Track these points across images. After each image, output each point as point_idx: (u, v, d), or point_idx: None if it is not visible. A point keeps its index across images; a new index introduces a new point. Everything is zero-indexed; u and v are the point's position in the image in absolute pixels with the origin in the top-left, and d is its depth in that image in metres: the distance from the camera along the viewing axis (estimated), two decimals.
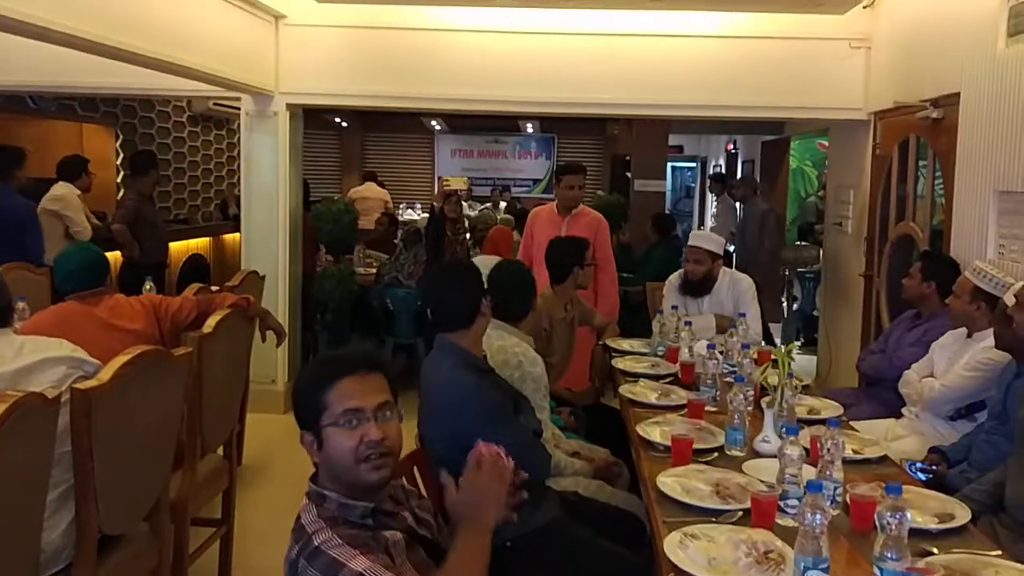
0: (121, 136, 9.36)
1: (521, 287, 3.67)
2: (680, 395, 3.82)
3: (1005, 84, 4.21)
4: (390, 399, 2.00)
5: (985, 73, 4.41)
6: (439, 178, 16.63)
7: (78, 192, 6.75)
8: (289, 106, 6.43)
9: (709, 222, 13.52)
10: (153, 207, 7.06)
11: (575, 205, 5.75)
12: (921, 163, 5.52)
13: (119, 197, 7.24)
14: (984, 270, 3.71)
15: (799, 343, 8.71)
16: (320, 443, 1.95)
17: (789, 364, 3.20)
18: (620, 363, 4.48)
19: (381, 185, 12.94)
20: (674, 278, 5.21)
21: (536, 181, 17.06)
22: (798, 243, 9.15)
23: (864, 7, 6.00)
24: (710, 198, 13.80)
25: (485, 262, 3.66)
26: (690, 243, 5.12)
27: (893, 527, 1.94)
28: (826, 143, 8.36)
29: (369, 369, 1.99)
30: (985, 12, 4.39)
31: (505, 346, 3.42)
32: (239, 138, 6.81)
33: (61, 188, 6.67)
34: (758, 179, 11.12)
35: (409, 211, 13.97)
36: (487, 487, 2.07)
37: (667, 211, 12.32)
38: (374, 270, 7.76)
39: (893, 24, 5.76)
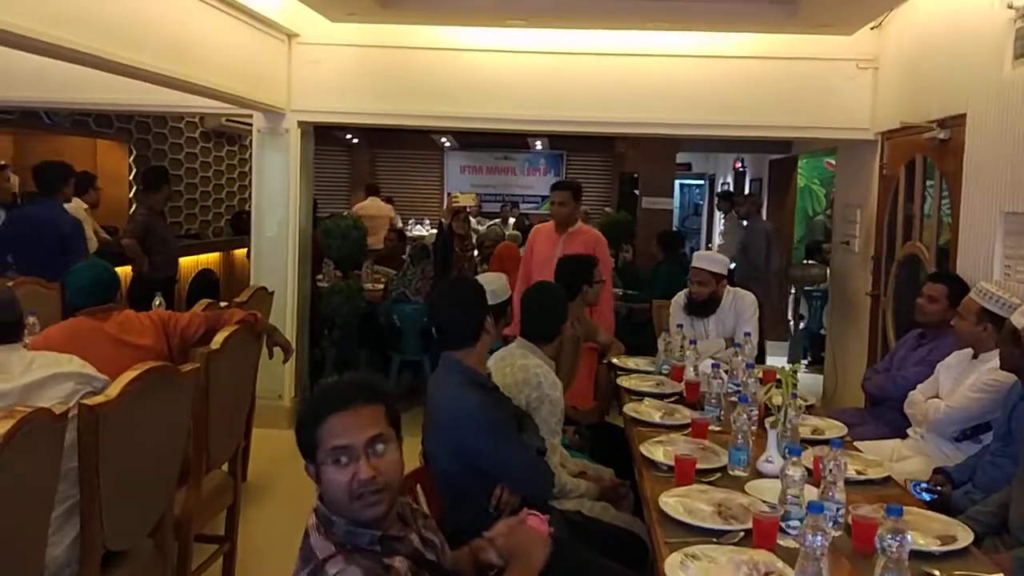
0: (135, 152, 9.41)
1: (552, 310, 3.71)
2: (684, 414, 3.82)
3: (1011, 105, 4.22)
4: (384, 431, 1.94)
5: (991, 94, 4.42)
6: (448, 194, 16.70)
7: (85, 207, 6.83)
8: (301, 123, 6.48)
9: (717, 239, 13.52)
10: (164, 222, 7.10)
11: (569, 222, 5.73)
12: (928, 183, 5.52)
13: (131, 212, 7.26)
14: (990, 291, 3.71)
15: (806, 362, 8.78)
16: (319, 477, 1.94)
17: (793, 384, 3.20)
18: (625, 381, 4.48)
19: (387, 200, 12.94)
20: (680, 297, 5.22)
21: (544, 198, 17.06)
22: (805, 262, 9.15)
23: (872, 28, 6.03)
24: (718, 215, 13.81)
25: (490, 279, 3.68)
26: (693, 264, 5.14)
27: (894, 549, 1.94)
28: (834, 162, 8.37)
29: (365, 401, 1.94)
30: (991, 34, 4.40)
31: (527, 365, 3.43)
32: (251, 154, 6.86)
33: (71, 203, 6.71)
34: (766, 197, 11.14)
35: (418, 227, 14.00)
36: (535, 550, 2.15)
37: (675, 228, 12.35)
38: (382, 286, 7.79)
39: (900, 45, 5.78)
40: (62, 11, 3.85)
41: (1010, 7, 4.15)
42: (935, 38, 5.20)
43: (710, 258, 5.19)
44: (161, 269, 6.74)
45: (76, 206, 6.71)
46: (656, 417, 3.80)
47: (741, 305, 5.04)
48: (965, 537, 2.46)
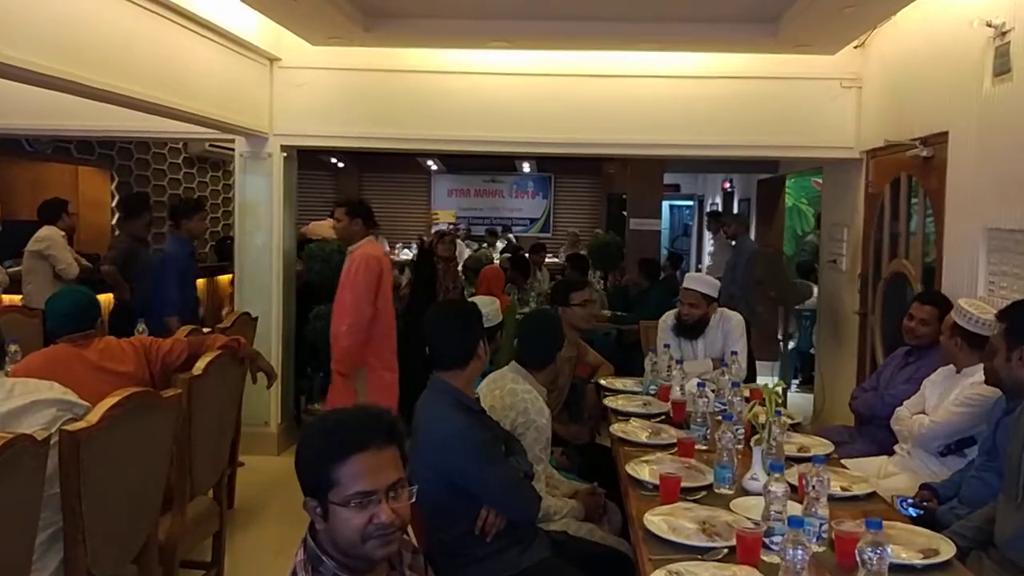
0: (117, 178, 9.40)
1: (546, 337, 3.74)
2: (671, 434, 3.82)
3: (992, 123, 4.25)
4: (402, 475, 1.91)
5: (972, 112, 4.45)
6: (434, 214, 16.75)
7: (62, 233, 6.81)
8: (283, 148, 6.49)
9: (707, 260, 13.55)
10: (147, 249, 7.07)
11: (347, 240, 5.61)
12: (913, 201, 5.55)
13: (112, 238, 7.23)
14: (963, 308, 3.74)
15: (797, 381, 8.78)
16: (326, 514, 1.86)
17: (777, 402, 3.20)
18: (612, 402, 4.48)
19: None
20: (668, 318, 5.22)
21: (533, 220, 17.13)
22: (793, 281, 9.16)
23: (855, 47, 6.07)
24: (707, 236, 13.86)
25: (484, 303, 3.71)
26: (685, 286, 5.13)
27: (874, 562, 1.94)
28: (821, 181, 8.40)
29: (384, 442, 1.88)
30: (971, 52, 4.44)
31: (516, 389, 3.45)
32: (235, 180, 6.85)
33: (46, 230, 6.75)
34: (754, 217, 11.18)
35: (405, 251, 14.00)
36: None
37: (668, 249, 12.38)
38: None
39: (883, 64, 5.83)
40: (42, 38, 3.86)
41: (989, 25, 4.18)
42: (917, 56, 5.24)
43: (701, 280, 5.18)
44: (142, 296, 6.69)
45: (53, 232, 6.69)
46: (643, 437, 3.80)
47: (729, 326, 5.04)
48: (947, 551, 2.47)
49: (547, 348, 3.71)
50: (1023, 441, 2.87)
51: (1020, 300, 3.44)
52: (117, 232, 6.96)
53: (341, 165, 16.01)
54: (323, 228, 11.28)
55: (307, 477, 1.89)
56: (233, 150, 6.59)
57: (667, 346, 4.90)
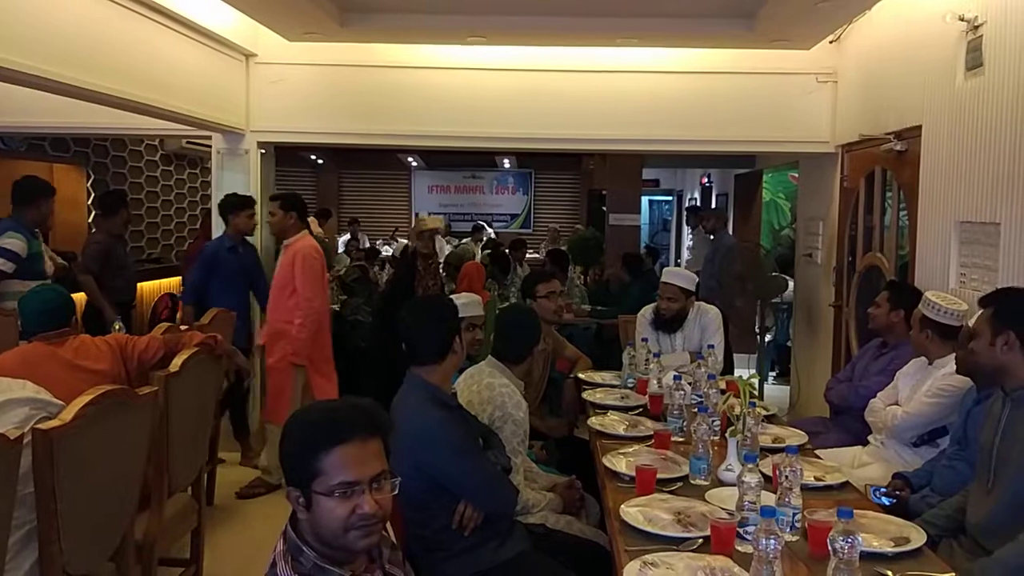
0: (92, 176, 9.33)
1: (522, 332, 3.75)
2: (648, 426, 3.84)
3: (963, 117, 4.30)
4: (386, 467, 1.91)
5: (945, 106, 4.50)
6: (416, 215, 16.71)
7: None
8: (260, 144, 6.47)
9: (686, 254, 13.61)
10: (124, 247, 7.01)
11: (282, 234, 5.70)
12: (887, 195, 5.59)
13: (88, 236, 7.13)
14: (930, 300, 3.79)
15: (774, 374, 8.83)
16: (308, 504, 1.86)
17: (751, 394, 3.23)
18: (590, 395, 4.50)
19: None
20: (647, 312, 5.24)
21: (514, 216, 17.15)
22: (771, 274, 9.20)
23: (830, 42, 6.12)
24: (686, 231, 13.91)
25: (462, 299, 3.73)
26: (663, 280, 5.15)
27: (845, 550, 1.96)
28: (797, 175, 8.45)
29: (369, 433, 1.89)
30: (944, 46, 4.48)
31: (494, 384, 3.46)
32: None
33: None
34: (732, 212, 11.23)
35: (386, 247, 13.98)
36: None
37: (645, 244, 12.42)
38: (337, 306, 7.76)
39: (858, 59, 5.87)
40: (17, 36, 3.84)
41: (961, 19, 4.23)
42: (891, 51, 5.29)
43: (679, 274, 5.20)
44: (118, 293, 6.63)
45: None
46: (620, 429, 3.83)
47: (706, 319, 5.07)
48: (918, 538, 2.50)
49: (523, 342, 3.72)
50: (994, 428, 2.90)
51: (1007, 287, 3.48)
52: (94, 230, 6.84)
53: (320, 162, 15.95)
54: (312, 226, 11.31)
55: (291, 467, 1.90)
56: (210, 147, 6.56)
57: (645, 340, 4.92)
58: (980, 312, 3.10)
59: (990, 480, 2.86)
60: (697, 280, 5.21)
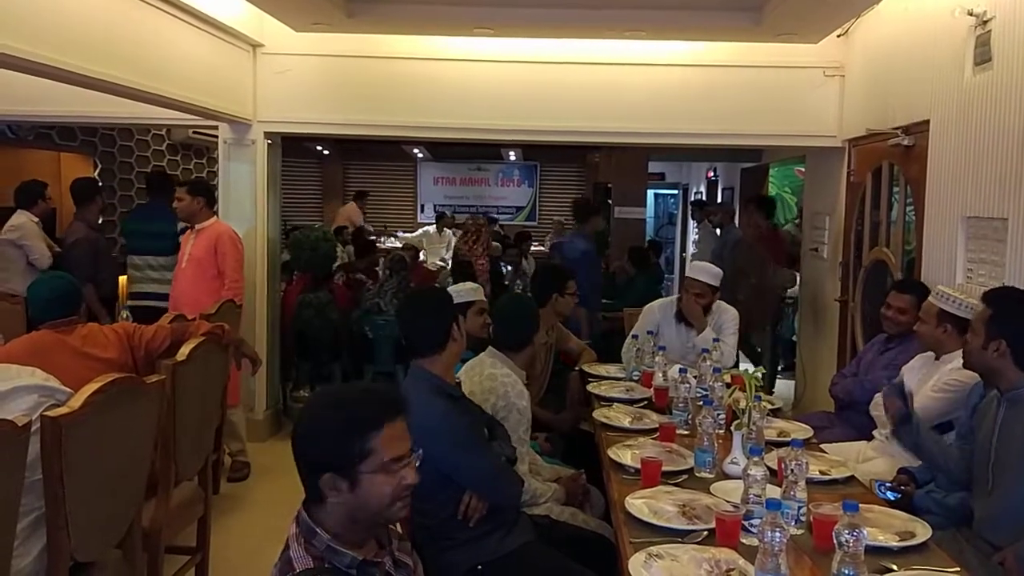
0: (100, 165, 9.34)
1: (521, 320, 3.75)
2: (653, 419, 3.85)
3: (972, 112, 4.28)
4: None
5: (953, 101, 4.49)
6: (421, 207, 16.72)
7: (36, 219, 6.65)
8: (267, 134, 6.46)
9: (691, 248, 13.59)
10: (104, 237, 6.95)
11: (192, 219, 5.80)
12: (894, 189, 5.58)
13: (68, 226, 6.96)
14: (947, 293, 3.75)
15: (779, 368, 8.81)
16: (353, 485, 1.92)
17: (756, 387, 3.23)
18: (595, 388, 4.51)
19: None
20: (655, 305, 5.23)
21: (519, 208, 17.12)
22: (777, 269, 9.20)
23: (838, 36, 6.09)
24: (692, 225, 13.89)
25: (458, 286, 3.74)
26: (690, 275, 5.08)
27: (850, 544, 1.97)
28: (803, 170, 8.44)
29: (401, 411, 2.00)
30: (953, 41, 4.47)
31: (496, 374, 3.47)
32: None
33: (19, 217, 6.57)
34: (738, 206, 11.21)
35: (391, 239, 13.99)
36: None
37: (651, 237, 12.42)
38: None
39: (866, 53, 5.85)
40: (23, 24, 3.83)
41: (970, 14, 4.21)
42: (899, 45, 5.27)
43: (706, 270, 5.07)
44: (105, 288, 6.60)
45: (26, 220, 6.54)
46: (625, 422, 3.83)
47: (724, 319, 5.03)
48: (923, 533, 2.50)
49: (522, 330, 3.72)
50: (991, 428, 2.91)
51: (1007, 287, 3.48)
52: (73, 221, 6.70)
53: (326, 153, 15.94)
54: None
55: (329, 452, 1.93)
56: (216, 137, 6.56)
57: (651, 332, 4.91)
58: (980, 309, 3.10)
59: (990, 481, 2.87)
60: (722, 275, 5.13)
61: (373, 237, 11.69)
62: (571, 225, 13.25)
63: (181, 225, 6.04)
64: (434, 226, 13.44)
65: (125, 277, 6.86)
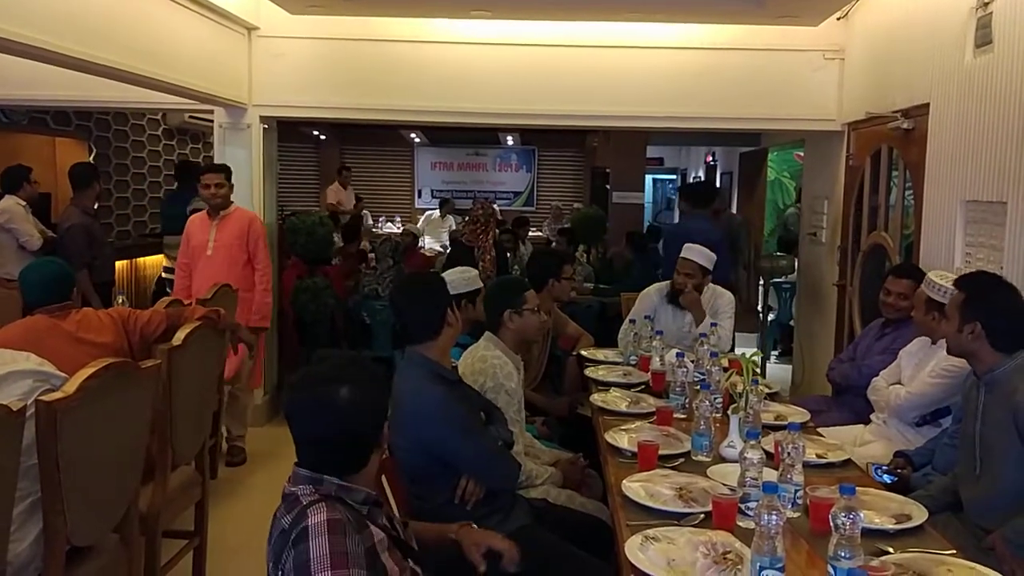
0: (95, 150, 9.30)
1: (492, 300, 3.75)
2: (650, 403, 3.85)
3: (972, 95, 4.26)
4: None
5: (953, 84, 4.47)
6: (419, 192, 16.67)
7: (23, 203, 6.61)
8: (263, 118, 6.43)
9: None
10: (98, 223, 6.92)
11: (222, 205, 5.70)
12: (893, 173, 5.57)
13: (63, 211, 6.94)
14: (932, 280, 3.71)
15: (776, 352, 8.83)
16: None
17: (753, 370, 3.23)
18: (593, 372, 4.51)
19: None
20: (652, 290, 5.22)
21: (517, 193, 17.08)
22: (774, 254, 9.21)
23: (838, 19, 6.06)
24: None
25: (452, 272, 3.74)
26: (683, 255, 5.07)
27: (847, 527, 1.97)
28: (803, 154, 8.43)
29: None
30: (953, 23, 4.44)
31: (487, 356, 3.50)
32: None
33: (5, 201, 6.53)
34: (736, 190, 11.21)
35: (388, 224, 13.95)
36: None
37: (648, 224, 12.40)
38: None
39: (866, 36, 5.83)
40: (17, 7, 3.81)
41: None
42: (899, 28, 5.24)
43: (699, 251, 5.06)
44: (98, 273, 6.58)
45: (13, 203, 6.51)
46: (622, 406, 3.84)
47: (719, 302, 5.03)
48: (919, 515, 2.51)
49: (493, 309, 3.69)
50: (974, 414, 2.91)
51: (980, 272, 3.46)
52: (68, 206, 6.67)
53: (323, 137, 15.89)
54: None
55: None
56: (212, 121, 6.53)
57: (648, 317, 4.91)
58: (955, 294, 3.09)
59: (977, 467, 2.87)
60: (715, 259, 5.13)
61: (367, 223, 11.65)
62: (568, 212, 13.27)
63: (190, 208, 6.01)
64: (437, 211, 13.39)
65: (161, 256, 7.77)
